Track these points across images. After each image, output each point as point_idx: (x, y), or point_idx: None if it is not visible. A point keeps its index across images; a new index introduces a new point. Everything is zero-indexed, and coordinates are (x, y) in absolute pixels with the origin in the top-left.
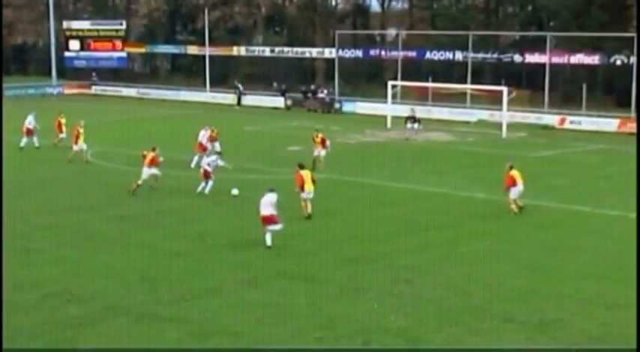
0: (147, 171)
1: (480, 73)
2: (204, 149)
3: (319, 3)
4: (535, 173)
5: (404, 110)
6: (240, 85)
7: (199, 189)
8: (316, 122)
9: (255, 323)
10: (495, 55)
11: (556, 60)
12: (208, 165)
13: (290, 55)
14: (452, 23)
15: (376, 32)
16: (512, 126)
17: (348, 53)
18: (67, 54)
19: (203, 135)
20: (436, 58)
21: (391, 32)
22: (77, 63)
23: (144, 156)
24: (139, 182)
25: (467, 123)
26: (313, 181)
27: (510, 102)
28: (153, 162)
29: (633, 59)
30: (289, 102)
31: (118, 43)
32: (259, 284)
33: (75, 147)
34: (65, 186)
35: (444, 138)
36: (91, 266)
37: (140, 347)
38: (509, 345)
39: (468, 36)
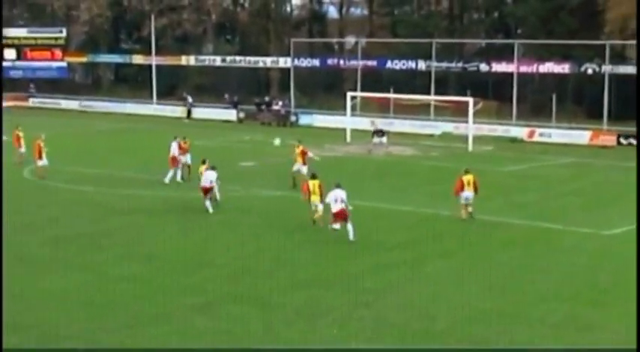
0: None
1: (444, 83)
2: (177, 163)
3: (273, 9)
4: (502, 188)
5: (364, 123)
6: (189, 97)
7: (210, 209)
8: (271, 136)
9: None
10: (460, 64)
11: (524, 69)
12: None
13: (242, 64)
14: (414, 30)
15: (334, 40)
16: (478, 139)
17: (305, 62)
18: (2, 64)
19: (175, 148)
20: (398, 67)
21: (350, 40)
22: (13, 73)
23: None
24: None
25: (431, 136)
26: (320, 192)
27: (476, 113)
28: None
29: (605, 68)
30: (242, 115)
31: (58, 52)
32: (211, 309)
33: (39, 163)
34: None
35: (407, 152)
36: (30, 291)
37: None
38: None
39: (432, 44)
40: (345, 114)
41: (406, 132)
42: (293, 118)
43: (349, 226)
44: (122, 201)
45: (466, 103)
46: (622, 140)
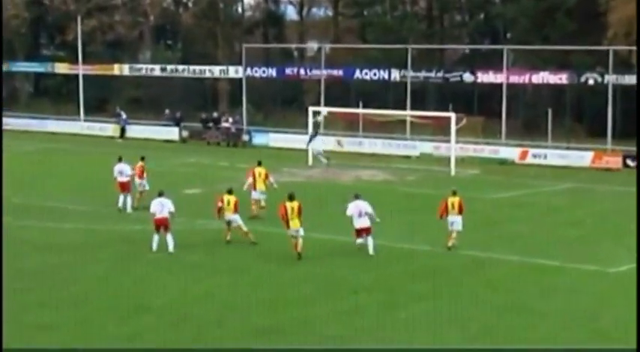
0: None
1: (422, 96)
2: (127, 188)
3: (222, 10)
4: (490, 218)
5: (329, 143)
6: (122, 113)
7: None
8: (220, 158)
9: None
10: (441, 74)
11: (515, 79)
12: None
13: (186, 74)
14: (386, 34)
15: (293, 46)
16: (462, 161)
17: (259, 72)
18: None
19: (121, 170)
20: (368, 77)
21: (312, 46)
22: None
23: None
24: None
25: (407, 158)
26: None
27: (460, 131)
28: None
29: (609, 78)
30: (185, 133)
31: None
32: None
33: None
34: None
35: (379, 176)
36: None
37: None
38: None
39: (407, 50)
40: (306, 133)
41: (378, 153)
42: (245, 137)
43: (370, 239)
44: (46, 236)
45: (448, 119)
46: (629, 162)
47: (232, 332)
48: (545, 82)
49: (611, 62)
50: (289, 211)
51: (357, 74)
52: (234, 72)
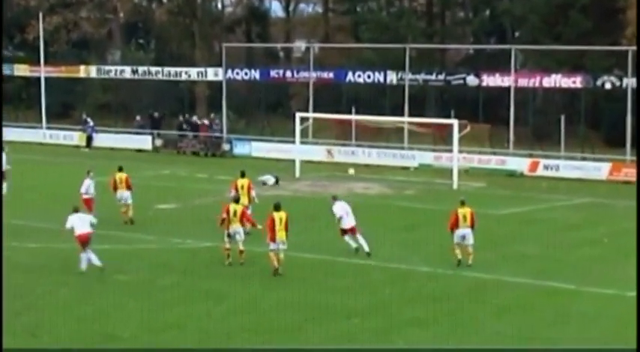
0: None
1: (421, 101)
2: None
3: (199, 5)
4: (497, 237)
5: (318, 152)
6: (89, 120)
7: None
8: (197, 169)
9: None
10: (442, 77)
11: (524, 82)
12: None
13: (160, 77)
14: (382, 33)
15: (279, 45)
16: (465, 173)
17: (241, 74)
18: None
19: (88, 186)
20: (361, 80)
21: (299, 45)
22: None
23: None
24: None
25: (405, 169)
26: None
27: (463, 139)
28: None
29: (627, 81)
30: (159, 142)
31: None
32: None
33: None
34: None
35: (373, 190)
36: None
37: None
38: None
39: (405, 50)
40: (293, 142)
41: (372, 164)
42: (226, 146)
43: (361, 238)
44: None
45: (450, 127)
46: None
47: None
48: (557, 85)
49: (630, 64)
50: (277, 222)
51: (350, 77)
52: (214, 74)
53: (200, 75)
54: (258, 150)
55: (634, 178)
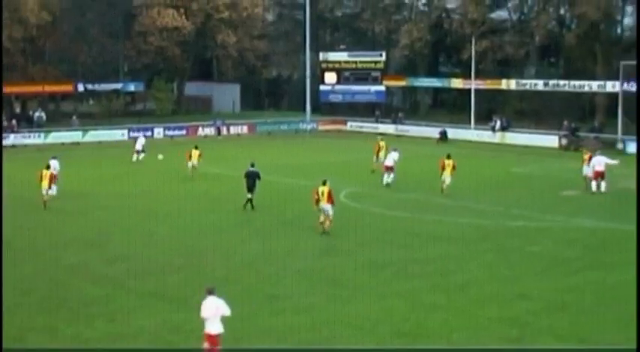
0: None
1: None
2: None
3: (602, 31)
4: None
5: None
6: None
7: None
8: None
9: None
10: None
11: None
12: None
13: (566, 88)
14: None
15: None
16: None
17: (635, 86)
18: (322, 88)
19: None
20: None
21: None
22: (332, 97)
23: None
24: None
25: None
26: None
27: None
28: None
29: None
30: (564, 141)
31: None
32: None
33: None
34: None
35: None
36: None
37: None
38: None
39: None
40: None
41: None
42: (620, 146)
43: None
44: (437, 227)
45: None
46: None
47: (603, 324)
48: None
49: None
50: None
51: None
52: (611, 86)
53: (599, 87)
54: None
55: None
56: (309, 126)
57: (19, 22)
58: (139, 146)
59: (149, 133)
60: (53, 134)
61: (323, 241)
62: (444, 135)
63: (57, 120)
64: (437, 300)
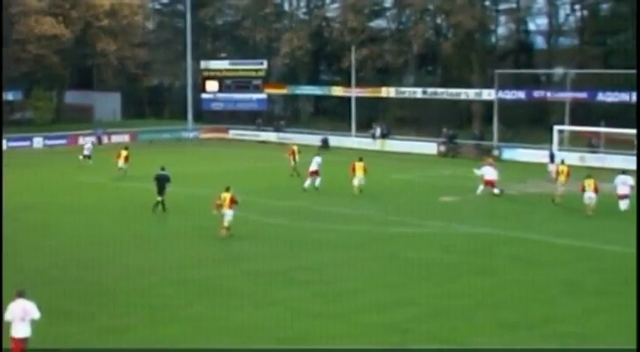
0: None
1: None
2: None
3: (478, 40)
4: None
5: (573, 158)
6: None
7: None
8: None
9: None
10: None
11: None
12: None
13: (444, 96)
14: (629, 61)
15: (541, 71)
16: None
17: (509, 94)
18: (204, 96)
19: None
20: (610, 99)
21: (558, 71)
22: (214, 105)
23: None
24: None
25: None
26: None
27: None
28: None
29: None
30: (442, 148)
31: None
32: None
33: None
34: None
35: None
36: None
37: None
38: None
39: None
40: (551, 149)
41: (618, 168)
42: (496, 152)
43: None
44: (318, 234)
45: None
46: None
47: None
48: None
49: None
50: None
51: (600, 96)
52: (487, 94)
53: (476, 95)
54: (523, 155)
55: None
56: (190, 135)
57: None
58: (86, 151)
59: (28, 143)
60: None
61: (207, 250)
62: (325, 143)
63: None
64: (318, 308)
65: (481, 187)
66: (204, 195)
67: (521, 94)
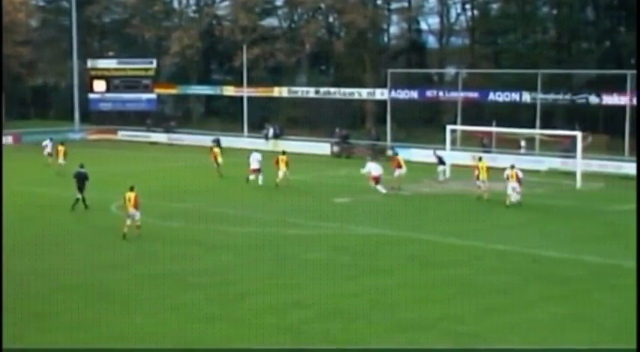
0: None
1: (550, 117)
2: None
3: (370, 39)
4: (615, 228)
5: (465, 157)
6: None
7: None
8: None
9: None
10: (568, 96)
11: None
12: None
13: (337, 96)
14: (518, 61)
15: (433, 71)
16: (587, 176)
17: (402, 94)
18: (91, 96)
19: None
20: (501, 99)
21: (450, 71)
22: (102, 105)
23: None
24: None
25: (536, 172)
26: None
27: (585, 148)
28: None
29: None
30: (336, 148)
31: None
32: None
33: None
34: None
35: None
36: (113, 331)
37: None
38: None
39: (537, 75)
40: (444, 149)
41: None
42: (389, 152)
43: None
44: (213, 236)
45: (574, 138)
46: None
47: (378, 328)
48: None
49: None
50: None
51: (491, 96)
52: (380, 94)
53: (369, 94)
54: (416, 155)
55: None
56: (77, 136)
57: None
58: (48, 149)
59: None
60: None
61: (101, 254)
62: (217, 144)
63: None
64: (214, 311)
65: (372, 184)
66: (88, 197)
67: (414, 94)
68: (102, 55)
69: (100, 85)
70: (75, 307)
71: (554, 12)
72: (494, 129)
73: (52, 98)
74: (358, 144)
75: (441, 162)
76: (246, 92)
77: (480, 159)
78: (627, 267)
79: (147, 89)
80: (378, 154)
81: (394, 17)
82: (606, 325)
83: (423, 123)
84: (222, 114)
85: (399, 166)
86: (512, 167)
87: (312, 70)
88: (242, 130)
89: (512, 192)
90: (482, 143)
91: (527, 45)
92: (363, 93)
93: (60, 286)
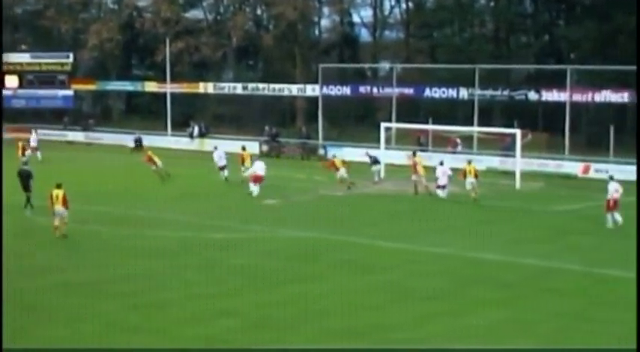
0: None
1: (488, 114)
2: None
3: (300, 32)
4: (555, 230)
5: (400, 156)
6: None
7: None
8: (296, 170)
9: None
10: (507, 92)
11: (578, 97)
12: None
13: (266, 92)
14: (455, 55)
15: (366, 66)
16: (527, 176)
17: (334, 90)
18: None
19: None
20: (437, 95)
21: (384, 66)
22: (15, 102)
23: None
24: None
25: None
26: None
27: (525, 147)
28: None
29: None
30: (265, 147)
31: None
32: None
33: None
34: None
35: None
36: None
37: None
38: None
39: (475, 70)
40: (378, 147)
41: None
42: (321, 151)
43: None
44: (133, 241)
45: (513, 136)
46: None
47: (307, 338)
48: (607, 100)
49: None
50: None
51: (427, 92)
52: (311, 90)
53: (299, 91)
54: (349, 154)
55: None
56: None
57: None
58: (33, 142)
59: None
60: None
61: (11, 261)
62: (139, 143)
63: None
64: (134, 321)
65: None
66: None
67: (346, 90)
68: (14, 49)
69: (12, 81)
70: None
71: (492, 4)
72: (430, 126)
73: None
74: (288, 142)
75: (376, 161)
76: (169, 88)
77: (415, 153)
78: (567, 270)
79: (63, 85)
80: (308, 153)
81: (325, 9)
82: (545, 330)
83: (356, 120)
84: (143, 112)
85: (337, 168)
86: (470, 162)
87: (240, 65)
88: (165, 129)
89: (471, 187)
90: (419, 141)
91: (464, 39)
92: (293, 89)
93: None
